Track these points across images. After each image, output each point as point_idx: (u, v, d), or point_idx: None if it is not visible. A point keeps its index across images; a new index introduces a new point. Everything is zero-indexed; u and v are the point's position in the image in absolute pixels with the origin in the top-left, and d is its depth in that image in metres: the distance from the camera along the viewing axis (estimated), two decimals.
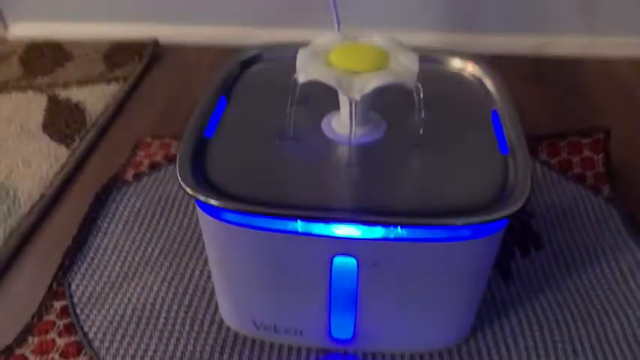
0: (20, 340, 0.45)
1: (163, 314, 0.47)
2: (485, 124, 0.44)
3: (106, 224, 0.56)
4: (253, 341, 0.45)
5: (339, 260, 0.38)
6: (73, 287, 0.50)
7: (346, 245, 0.37)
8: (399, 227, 0.36)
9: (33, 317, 0.47)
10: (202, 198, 0.36)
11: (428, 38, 0.88)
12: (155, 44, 0.88)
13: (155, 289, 0.49)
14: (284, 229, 0.37)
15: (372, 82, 0.38)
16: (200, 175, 0.38)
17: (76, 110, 0.72)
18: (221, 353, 0.44)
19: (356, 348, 0.44)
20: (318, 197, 0.37)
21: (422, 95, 0.40)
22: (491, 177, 0.38)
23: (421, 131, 0.41)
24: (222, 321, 0.47)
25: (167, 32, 0.90)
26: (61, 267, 0.51)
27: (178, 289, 0.49)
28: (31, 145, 0.66)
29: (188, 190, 0.36)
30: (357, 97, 0.38)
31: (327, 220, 0.36)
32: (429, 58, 0.50)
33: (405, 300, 0.40)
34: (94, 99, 0.74)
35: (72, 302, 0.48)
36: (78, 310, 0.47)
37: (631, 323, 0.46)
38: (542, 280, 0.50)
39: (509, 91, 0.46)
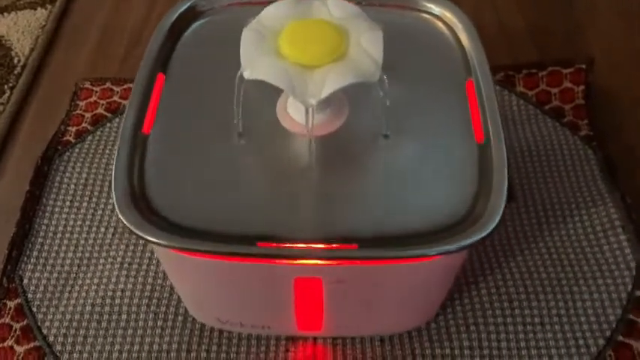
0: None
1: (125, 309, 0.45)
2: (460, 102, 0.39)
3: (51, 202, 0.51)
4: (220, 332, 0.44)
5: (302, 278, 0.36)
6: (26, 281, 0.47)
7: (308, 269, 0.35)
8: (361, 259, 0.33)
9: None
10: (150, 238, 0.32)
11: None
12: None
13: (113, 279, 0.47)
14: (241, 260, 0.34)
15: (329, 85, 0.33)
16: (143, 202, 0.34)
17: (0, 49, 0.63)
18: (188, 351, 0.43)
19: (325, 335, 0.44)
20: (275, 220, 0.33)
21: (387, 82, 0.35)
22: (464, 181, 0.35)
23: (387, 120, 0.37)
24: (186, 312, 0.45)
25: None
26: (9, 259, 0.48)
27: (137, 278, 0.47)
28: None
29: (134, 230, 0.32)
30: (314, 103, 0.33)
31: (287, 256, 0.32)
32: (397, 4, 0.44)
33: (371, 304, 0.39)
34: (19, 32, 0.65)
35: (26, 299, 0.46)
36: (34, 309, 0.45)
37: (599, 290, 0.46)
38: (514, 241, 0.49)
39: (486, 54, 0.41)
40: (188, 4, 0.44)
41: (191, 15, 0.44)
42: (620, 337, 0.43)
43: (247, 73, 0.34)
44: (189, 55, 0.42)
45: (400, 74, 0.38)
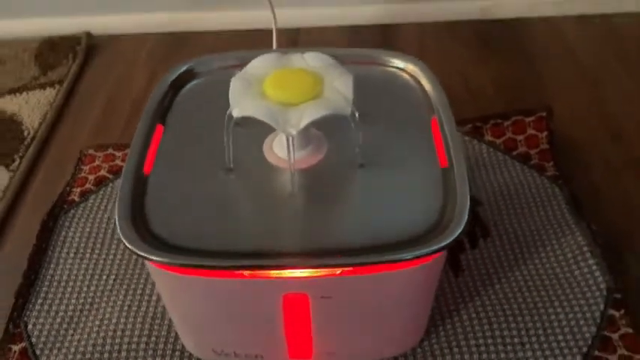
0: None
1: (124, 347, 0.47)
2: (426, 134, 0.44)
3: (57, 253, 0.55)
4: None
5: (289, 296, 0.39)
6: (30, 327, 0.49)
7: (295, 284, 0.38)
8: (344, 266, 0.36)
9: None
10: (148, 256, 0.35)
11: (368, 10, 0.87)
12: (88, 37, 0.84)
13: (114, 320, 0.49)
14: (231, 276, 0.37)
15: (307, 116, 0.38)
16: (142, 226, 0.38)
17: (11, 124, 0.69)
18: None
19: None
20: (263, 239, 0.37)
21: (358, 117, 0.40)
22: (432, 195, 0.39)
23: (360, 152, 0.41)
24: (183, 348, 0.47)
25: (99, 23, 0.86)
26: (15, 307, 0.50)
27: (137, 318, 0.49)
28: None
29: (133, 249, 0.36)
30: (294, 132, 0.38)
31: (272, 268, 0.36)
32: (367, 60, 0.50)
33: (357, 322, 0.42)
34: (30, 109, 0.71)
35: (31, 343, 0.48)
36: (38, 352, 0.47)
37: (574, 311, 0.48)
38: (492, 271, 0.52)
39: (448, 91, 0.46)
40: (185, 66, 0.50)
41: (188, 76, 0.49)
42: (596, 352, 0.45)
43: (236, 112, 0.39)
44: (185, 109, 0.47)
45: (372, 116, 0.44)
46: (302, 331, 0.42)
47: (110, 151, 0.65)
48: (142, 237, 0.37)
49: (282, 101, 0.38)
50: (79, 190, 0.61)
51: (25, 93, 0.73)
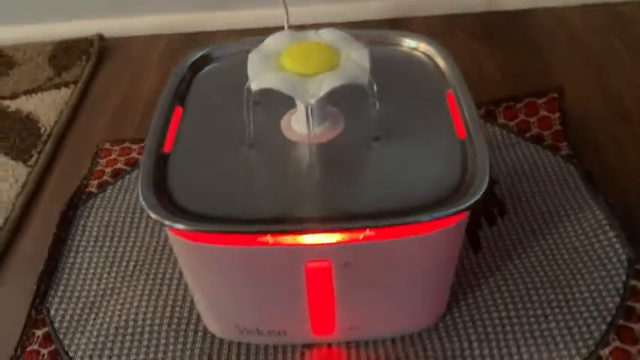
0: None
1: (147, 329, 0.48)
2: (442, 108, 0.44)
3: (76, 242, 0.55)
4: (239, 345, 0.46)
5: (312, 264, 0.39)
6: (52, 312, 0.49)
7: (318, 251, 0.38)
8: (366, 230, 0.36)
9: (16, 349, 0.47)
10: (172, 224, 0.36)
11: (377, 6, 0.88)
12: (100, 39, 0.85)
13: (135, 304, 0.49)
14: (254, 244, 0.37)
15: (325, 85, 0.38)
16: (165, 197, 0.38)
17: (28, 122, 0.70)
18: None
19: (339, 339, 0.46)
20: (285, 207, 0.37)
21: (375, 88, 0.40)
22: (451, 164, 0.39)
23: (378, 124, 0.41)
24: (205, 329, 0.47)
25: (111, 25, 0.87)
26: (37, 294, 0.51)
27: (158, 301, 0.50)
28: None
29: (156, 217, 0.36)
30: (312, 102, 0.38)
31: (295, 232, 0.36)
32: (380, 40, 0.50)
33: (379, 292, 0.42)
34: (46, 108, 0.72)
35: (54, 328, 0.48)
36: (61, 336, 0.48)
37: (595, 283, 0.48)
38: (510, 248, 0.52)
39: (461, 57, 0.46)
40: (202, 52, 0.50)
41: (205, 61, 0.50)
42: (621, 321, 0.45)
43: (254, 84, 0.39)
44: (203, 92, 0.47)
45: (388, 93, 0.44)
46: (325, 303, 0.42)
47: (126, 144, 0.66)
48: (165, 207, 0.37)
49: (300, 72, 0.39)
50: (96, 182, 0.61)
51: (40, 93, 0.74)
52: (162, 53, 0.84)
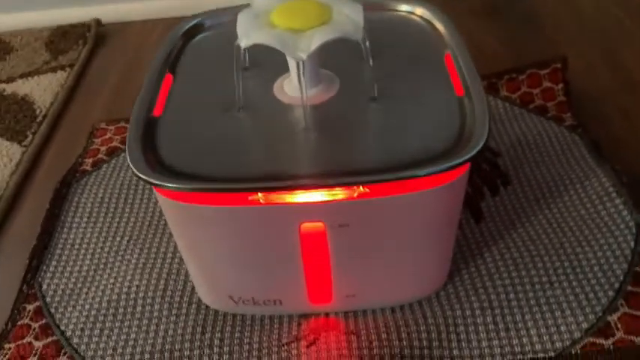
0: None
1: (140, 302, 0.46)
2: (440, 67, 0.43)
3: (70, 218, 0.54)
4: (234, 316, 0.45)
5: (306, 226, 0.37)
6: (44, 287, 0.48)
7: (311, 211, 0.37)
8: (361, 186, 0.35)
9: (7, 323, 0.46)
10: (157, 182, 0.35)
11: None
12: (98, 24, 0.84)
13: (128, 277, 0.48)
14: (245, 202, 0.36)
15: (317, 39, 0.37)
16: (152, 157, 0.37)
17: (23, 104, 0.69)
18: (202, 333, 0.44)
19: (336, 309, 0.44)
20: (276, 165, 0.36)
21: (369, 45, 0.39)
22: (449, 121, 0.38)
23: (374, 83, 0.40)
24: (200, 301, 0.46)
25: (108, 11, 0.86)
26: (29, 268, 0.50)
27: (152, 274, 0.48)
28: None
29: (141, 174, 0.35)
30: (304, 57, 0.37)
31: (286, 189, 0.35)
32: (375, 6, 0.49)
33: (377, 256, 0.40)
34: (42, 90, 0.71)
35: (45, 302, 0.47)
36: (52, 310, 0.47)
37: (602, 249, 0.46)
38: (514, 217, 0.50)
39: (460, 32, 0.45)
40: (195, 20, 0.49)
41: (197, 29, 0.49)
42: (629, 287, 0.43)
43: (244, 42, 0.38)
44: (194, 59, 0.46)
45: (384, 54, 0.43)
46: (321, 269, 0.40)
47: (122, 124, 0.65)
48: (153, 167, 0.36)
49: (290, 28, 0.38)
50: (91, 160, 0.60)
51: (36, 76, 0.74)
52: (159, 38, 0.83)
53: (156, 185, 0.35)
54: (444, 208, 0.39)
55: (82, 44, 0.80)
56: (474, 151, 0.34)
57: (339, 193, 0.36)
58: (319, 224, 0.37)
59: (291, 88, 0.41)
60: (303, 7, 0.39)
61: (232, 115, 0.40)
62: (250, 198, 0.36)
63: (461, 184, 0.38)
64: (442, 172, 0.34)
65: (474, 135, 0.36)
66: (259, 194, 0.36)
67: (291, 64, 0.40)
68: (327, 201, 0.36)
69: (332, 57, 0.41)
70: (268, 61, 0.42)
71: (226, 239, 0.39)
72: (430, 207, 0.38)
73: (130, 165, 0.36)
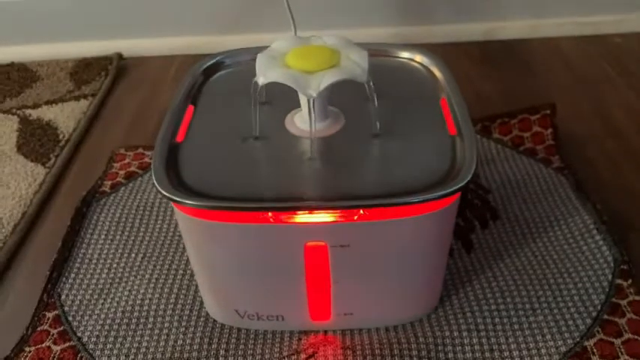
0: (17, 351, 0.48)
1: (152, 313, 0.50)
2: (436, 109, 0.47)
3: (89, 235, 0.58)
4: (239, 330, 0.48)
5: (310, 245, 0.41)
6: (63, 297, 0.52)
7: (315, 231, 0.41)
8: (361, 210, 0.39)
9: (27, 329, 0.49)
10: (178, 199, 0.39)
11: (381, 33, 0.92)
12: (119, 58, 0.90)
13: (142, 291, 0.52)
14: (256, 220, 0.40)
15: (326, 80, 0.41)
16: (174, 177, 0.41)
17: (48, 129, 0.74)
18: (209, 344, 0.47)
19: (334, 327, 0.48)
20: (286, 189, 0.40)
21: (373, 87, 0.44)
22: (442, 156, 0.42)
23: (376, 121, 0.45)
24: (207, 315, 0.50)
25: (130, 45, 0.92)
26: (49, 279, 0.53)
27: (164, 289, 0.52)
28: (7, 166, 0.68)
29: (164, 192, 0.39)
30: (314, 94, 0.41)
31: (292, 210, 0.39)
32: (379, 53, 0.54)
33: (374, 277, 0.44)
34: (65, 116, 0.76)
35: (63, 311, 0.51)
36: (70, 318, 0.50)
37: (582, 281, 0.50)
38: (502, 249, 0.54)
39: (457, 77, 0.50)
40: (215, 59, 0.54)
41: (217, 66, 0.54)
42: (606, 316, 0.47)
43: (261, 79, 0.43)
44: (214, 93, 0.51)
45: (385, 96, 0.47)
46: (322, 287, 0.44)
47: (140, 150, 0.69)
48: (174, 186, 0.40)
49: (303, 69, 0.43)
50: (109, 182, 0.65)
51: (60, 104, 0.79)
52: (177, 72, 0.89)
53: (176, 202, 0.39)
54: (436, 233, 0.43)
55: (104, 76, 0.85)
56: (463, 183, 0.39)
57: (341, 216, 0.40)
58: (322, 244, 0.41)
59: (301, 121, 0.46)
60: (315, 51, 0.44)
61: (247, 144, 0.45)
62: (260, 216, 0.40)
63: (451, 212, 0.43)
64: (434, 200, 0.38)
65: (463, 169, 0.40)
66: (269, 214, 0.40)
67: (303, 100, 0.44)
68: (330, 222, 0.40)
69: (339, 96, 0.46)
70: (282, 97, 0.47)
71: (236, 255, 0.43)
72: (423, 232, 0.42)
73: (155, 183, 0.40)
